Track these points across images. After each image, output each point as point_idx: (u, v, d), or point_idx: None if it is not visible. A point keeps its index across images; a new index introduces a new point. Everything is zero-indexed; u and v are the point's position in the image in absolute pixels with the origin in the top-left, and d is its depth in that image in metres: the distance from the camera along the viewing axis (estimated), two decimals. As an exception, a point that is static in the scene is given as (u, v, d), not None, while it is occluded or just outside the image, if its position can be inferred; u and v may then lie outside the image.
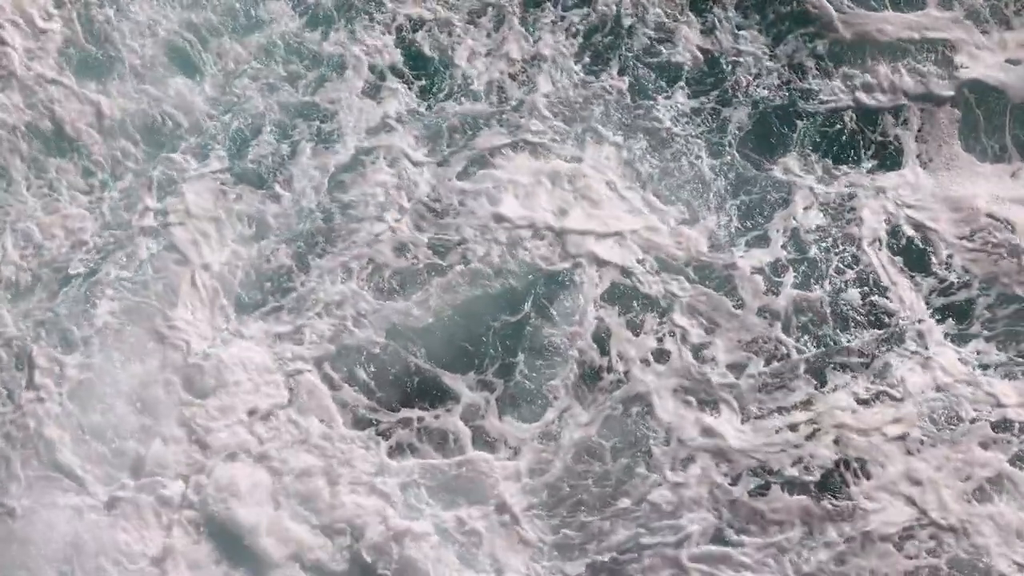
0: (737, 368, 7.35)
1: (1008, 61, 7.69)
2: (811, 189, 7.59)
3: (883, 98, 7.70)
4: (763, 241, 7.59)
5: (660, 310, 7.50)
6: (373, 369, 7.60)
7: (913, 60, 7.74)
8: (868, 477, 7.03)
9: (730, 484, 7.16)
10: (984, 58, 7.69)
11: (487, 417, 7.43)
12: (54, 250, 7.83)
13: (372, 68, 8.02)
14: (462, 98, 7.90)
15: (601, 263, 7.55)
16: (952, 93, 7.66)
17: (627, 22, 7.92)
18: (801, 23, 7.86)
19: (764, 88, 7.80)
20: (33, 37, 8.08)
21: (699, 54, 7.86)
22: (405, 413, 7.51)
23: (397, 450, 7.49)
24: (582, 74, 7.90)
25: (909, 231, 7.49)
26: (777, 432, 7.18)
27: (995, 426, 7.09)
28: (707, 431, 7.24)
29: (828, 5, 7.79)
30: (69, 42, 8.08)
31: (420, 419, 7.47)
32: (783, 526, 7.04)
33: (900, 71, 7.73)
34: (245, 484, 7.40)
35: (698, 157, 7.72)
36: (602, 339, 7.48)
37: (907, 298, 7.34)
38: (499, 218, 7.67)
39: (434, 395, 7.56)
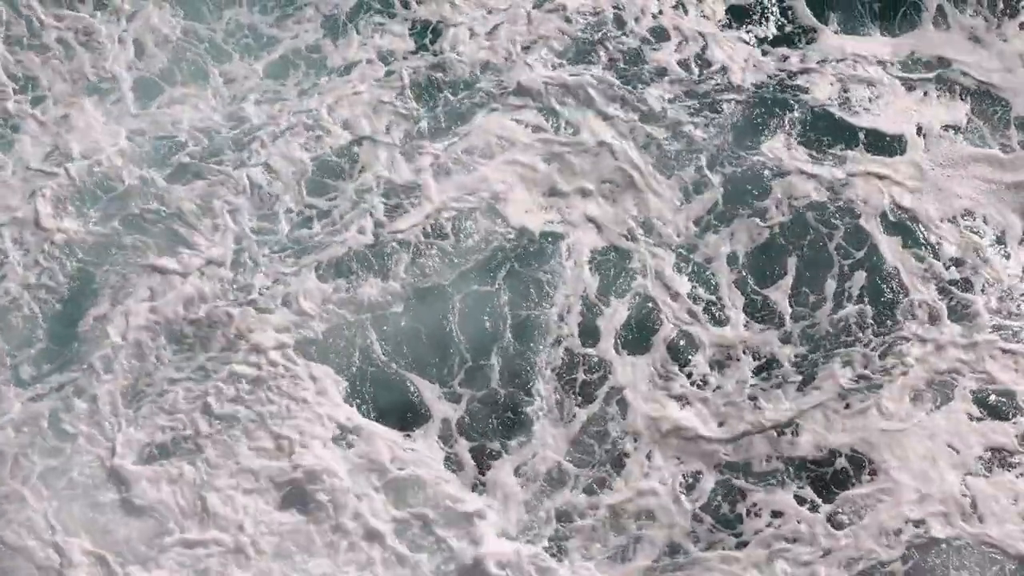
0: (726, 360, 7.05)
1: (1005, 68, 7.81)
2: (805, 172, 7.47)
3: (884, 113, 7.72)
4: (754, 226, 7.38)
5: (643, 297, 7.18)
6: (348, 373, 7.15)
7: (910, 71, 7.83)
8: (863, 468, 6.78)
9: (713, 485, 6.78)
10: (985, 66, 7.80)
11: (458, 441, 6.94)
12: (47, 258, 7.43)
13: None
14: (455, 78, 7.87)
15: (582, 242, 7.30)
16: (953, 104, 7.74)
17: (624, 17, 8.02)
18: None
19: (756, 82, 7.78)
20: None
21: (689, 56, 7.94)
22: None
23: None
24: (573, 59, 7.93)
25: (906, 216, 7.37)
26: (764, 426, 6.85)
27: (993, 406, 6.93)
28: (689, 428, 6.87)
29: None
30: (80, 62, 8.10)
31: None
32: (772, 526, 6.68)
33: (898, 85, 7.79)
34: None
35: (690, 139, 7.60)
36: (581, 324, 7.14)
37: (905, 283, 7.18)
38: (484, 193, 7.46)
39: (404, 405, 7.09)
